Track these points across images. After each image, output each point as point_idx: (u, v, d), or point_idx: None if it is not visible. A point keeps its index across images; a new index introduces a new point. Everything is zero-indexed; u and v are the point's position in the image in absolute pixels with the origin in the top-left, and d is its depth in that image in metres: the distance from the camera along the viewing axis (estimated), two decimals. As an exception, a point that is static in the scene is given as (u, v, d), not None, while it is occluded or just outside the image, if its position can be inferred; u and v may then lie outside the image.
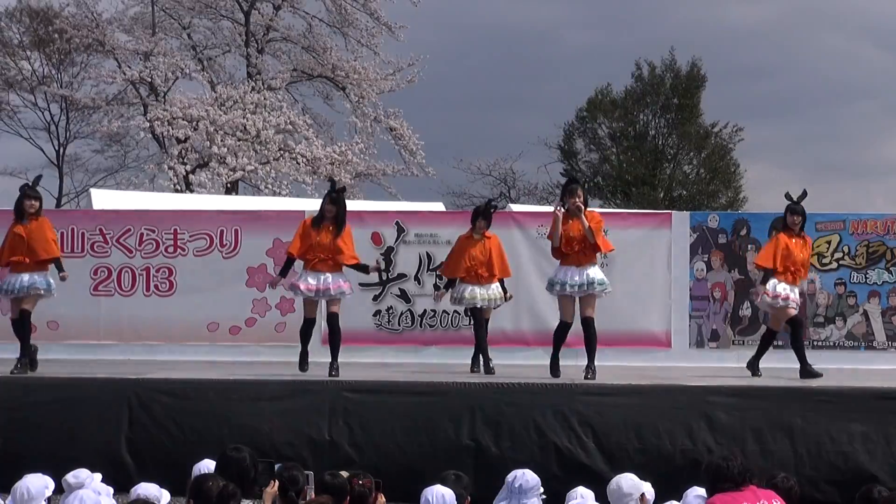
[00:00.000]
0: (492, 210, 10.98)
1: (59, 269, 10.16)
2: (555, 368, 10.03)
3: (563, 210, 9.92)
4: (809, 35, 52.56)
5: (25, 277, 9.94)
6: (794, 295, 10.19)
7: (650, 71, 37.57)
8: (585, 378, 9.72)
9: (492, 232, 10.82)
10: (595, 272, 9.86)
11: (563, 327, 9.99)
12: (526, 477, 6.13)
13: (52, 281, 10.12)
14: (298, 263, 10.29)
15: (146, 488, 6.15)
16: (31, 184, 10.37)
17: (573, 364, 10.62)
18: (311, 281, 9.93)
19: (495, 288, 10.68)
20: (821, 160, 52.49)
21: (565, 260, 9.92)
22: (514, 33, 52.44)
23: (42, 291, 10.02)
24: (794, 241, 10.21)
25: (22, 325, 10.05)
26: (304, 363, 10.13)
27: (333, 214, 10.03)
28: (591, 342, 9.88)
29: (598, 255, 10.16)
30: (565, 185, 10.48)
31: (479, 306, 10.62)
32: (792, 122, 53.24)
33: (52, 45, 28.79)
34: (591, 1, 53.66)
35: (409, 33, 28.54)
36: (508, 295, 10.90)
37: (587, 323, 9.86)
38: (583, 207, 9.87)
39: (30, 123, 31.57)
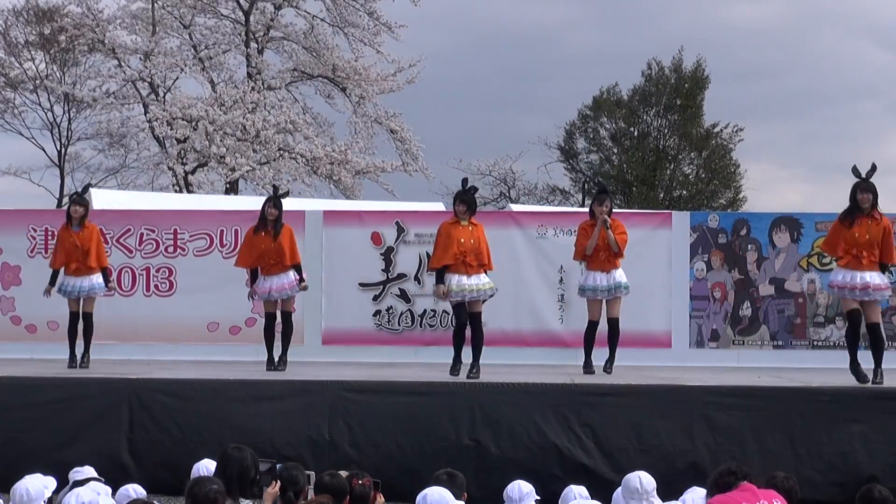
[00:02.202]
0: (472, 191, 10.08)
1: (106, 279, 11.00)
2: (588, 367, 10.43)
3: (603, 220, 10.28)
4: (811, 35, 52.63)
5: (85, 282, 10.81)
6: (861, 281, 9.26)
7: (659, 71, 37.57)
8: (604, 370, 10.35)
9: (477, 220, 10.12)
10: (620, 276, 10.46)
11: (592, 326, 10.52)
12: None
13: (102, 282, 10.96)
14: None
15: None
16: (79, 191, 11.32)
17: (573, 364, 10.64)
18: (266, 284, 10.65)
19: (484, 279, 9.90)
20: (821, 160, 52.57)
21: (592, 265, 10.44)
22: (514, 33, 52.50)
23: (100, 294, 11.00)
24: (858, 221, 9.32)
25: (87, 326, 10.88)
26: (270, 363, 10.64)
27: (275, 217, 10.66)
28: (614, 339, 10.52)
29: None
30: (595, 195, 10.72)
31: (467, 299, 9.81)
32: (792, 122, 53.30)
33: (56, 45, 28.76)
34: (590, 1, 53.69)
35: (410, 33, 28.64)
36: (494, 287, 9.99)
37: (613, 323, 10.50)
38: (608, 219, 10.30)
39: (31, 123, 31.62)
